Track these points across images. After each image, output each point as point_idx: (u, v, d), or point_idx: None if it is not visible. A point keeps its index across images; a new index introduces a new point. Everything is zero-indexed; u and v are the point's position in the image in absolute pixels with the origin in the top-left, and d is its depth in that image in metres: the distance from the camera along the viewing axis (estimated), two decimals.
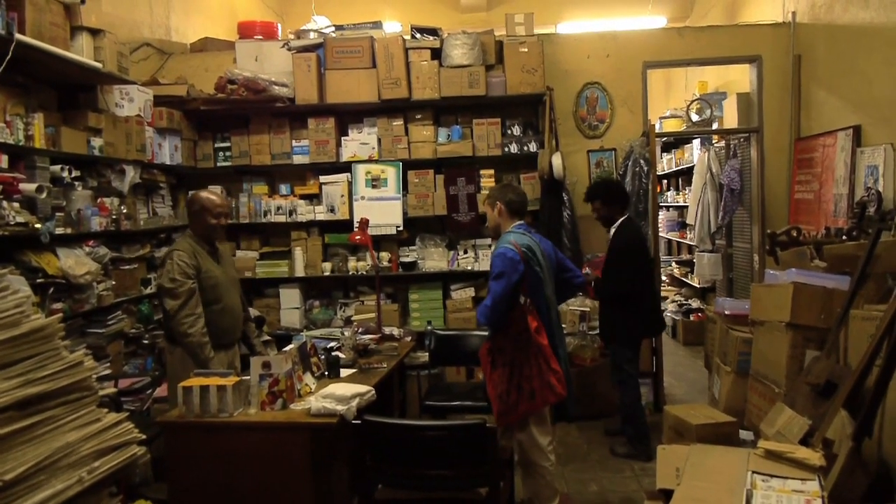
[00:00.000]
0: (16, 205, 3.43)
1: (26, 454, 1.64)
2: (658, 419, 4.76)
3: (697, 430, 3.45)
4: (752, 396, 3.75)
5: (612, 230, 4.62)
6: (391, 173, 5.53)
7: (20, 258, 3.54)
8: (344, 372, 3.62)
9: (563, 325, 5.26)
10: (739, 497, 2.05)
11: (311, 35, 5.70)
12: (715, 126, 6.88)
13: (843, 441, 2.42)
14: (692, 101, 7.11)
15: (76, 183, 4.07)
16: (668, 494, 2.26)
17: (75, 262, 3.82)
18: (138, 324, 4.60)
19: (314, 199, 5.69)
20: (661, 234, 8.15)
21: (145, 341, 4.66)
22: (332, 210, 5.59)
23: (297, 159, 5.62)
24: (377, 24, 5.69)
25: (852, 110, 4.95)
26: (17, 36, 3.29)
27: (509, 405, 3.27)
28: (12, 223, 3.36)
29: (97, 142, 4.21)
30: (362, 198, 5.53)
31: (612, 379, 4.71)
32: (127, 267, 4.54)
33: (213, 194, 3.72)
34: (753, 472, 2.22)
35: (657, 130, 6.65)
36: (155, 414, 3.77)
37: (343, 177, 5.58)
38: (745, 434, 3.60)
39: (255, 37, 5.90)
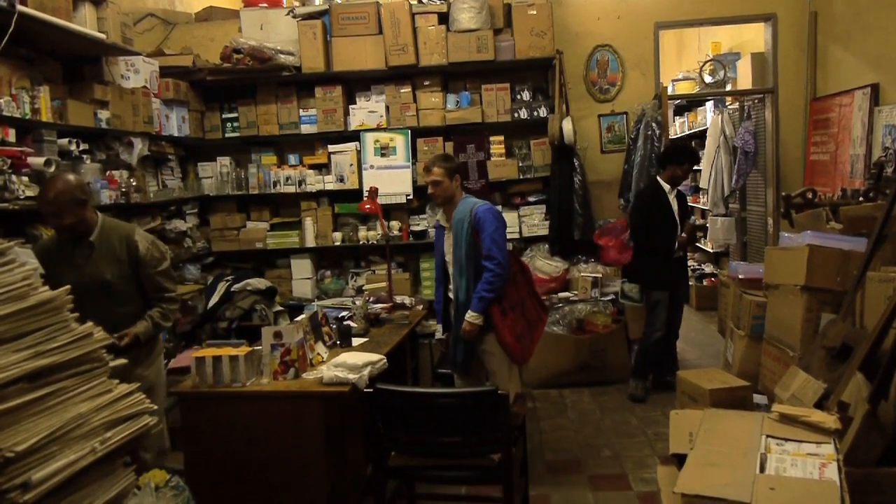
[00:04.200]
0: (25, 179, 3.42)
1: (38, 425, 1.64)
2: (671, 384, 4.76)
3: (711, 395, 3.44)
4: (766, 360, 3.72)
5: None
6: (400, 141, 5.49)
7: (31, 232, 3.54)
8: (356, 341, 3.62)
9: (576, 292, 5.32)
10: (754, 461, 2.04)
11: (316, 2, 5.63)
12: (728, 87, 6.76)
13: (859, 404, 2.40)
14: (705, 63, 6.98)
15: (84, 156, 4.06)
16: (681, 459, 2.25)
17: None
18: None
19: (323, 168, 5.67)
20: None
21: None
22: (341, 180, 5.57)
23: (305, 129, 5.58)
24: None
25: (870, 68, 4.84)
26: (19, 7, 3.25)
27: (528, 341, 3.58)
28: (22, 197, 3.35)
29: (104, 114, 4.19)
30: (371, 167, 5.50)
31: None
32: None
33: (47, 184, 3.00)
34: (768, 435, 2.21)
35: (669, 93, 6.55)
36: (170, 384, 3.80)
37: (352, 146, 5.55)
38: (759, 398, 3.58)
39: (260, 5, 5.81)
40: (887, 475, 2.25)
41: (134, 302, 3.15)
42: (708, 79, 6.86)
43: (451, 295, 3.64)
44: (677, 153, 4.92)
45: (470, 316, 3.45)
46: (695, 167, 5.15)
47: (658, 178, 4.92)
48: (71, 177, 3.03)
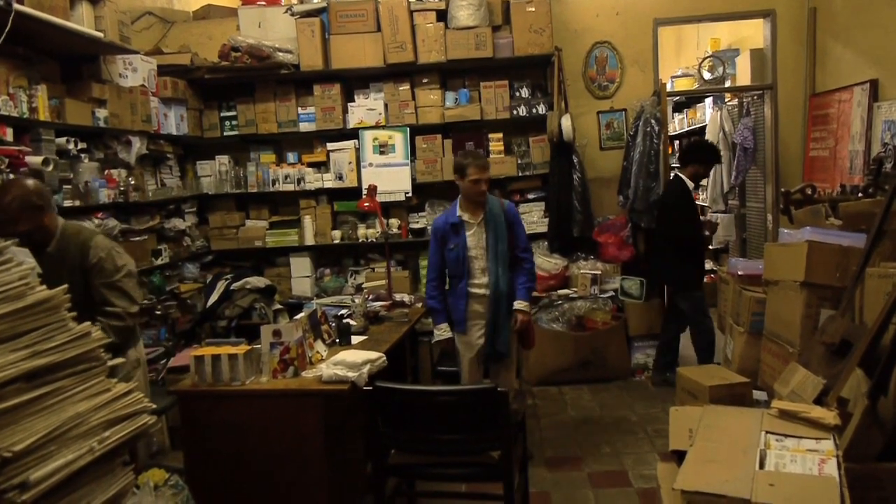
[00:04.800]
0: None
1: (36, 425, 1.64)
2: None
3: (710, 392, 3.44)
4: (765, 357, 3.72)
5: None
6: (399, 139, 5.48)
7: None
8: (355, 339, 3.62)
9: (575, 289, 5.32)
10: (753, 457, 2.04)
11: None
12: (727, 84, 6.75)
13: (859, 400, 2.40)
14: (704, 59, 6.97)
15: (82, 155, 4.05)
16: (681, 456, 2.25)
17: None
18: (150, 295, 4.62)
19: (322, 166, 5.66)
20: None
21: (158, 312, 4.69)
22: (340, 177, 5.57)
23: (304, 127, 5.57)
24: None
25: (869, 64, 4.83)
26: (16, 6, 3.25)
27: None
28: None
29: (102, 113, 4.18)
30: (370, 164, 5.49)
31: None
32: (137, 238, 4.54)
33: (1, 189, 2.84)
34: (767, 432, 2.21)
35: (668, 90, 6.53)
36: (169, 383, 3.80)
37: (350, 143, 5.54)
38: (758, 394, 3.59)
39: (258, 2, 5.81)
40: (887, 470, 2.25)
41: (83, 316, 2.94)
42: (707, 75, 6.84)
43: (474, 290, 3.74)
44: (703, 151, 4.94)
45: (524, 306, 3.75)
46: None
47: (679, 174, 4.90)
48: (28, 181, 2.90)
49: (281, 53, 5.30)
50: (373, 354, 3.09)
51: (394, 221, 5.55)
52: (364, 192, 5.02)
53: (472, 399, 2.71)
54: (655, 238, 5.15)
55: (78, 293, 2.76)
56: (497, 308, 3.70)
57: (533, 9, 5.24)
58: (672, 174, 5.16)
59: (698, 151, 4.93)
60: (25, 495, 1.54)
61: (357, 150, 5.52)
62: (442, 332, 3.81)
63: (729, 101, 7.14)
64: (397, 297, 4.47)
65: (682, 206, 4.82)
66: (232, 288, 5.01)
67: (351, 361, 2.95)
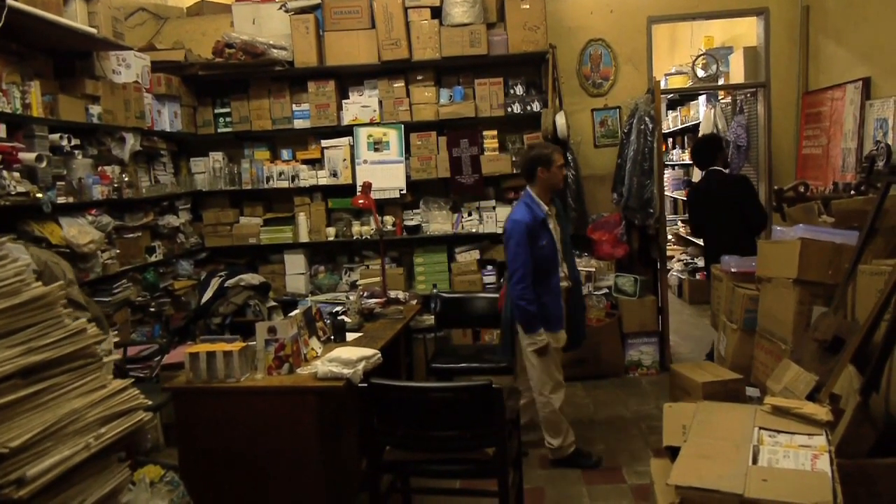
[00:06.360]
0: (16, 174, 3.40)
1: (32, 421, 1.64)
2: (664, 378, 4.79)
3: (704, 388, 3.46)
4: (758, 353, 3.74)
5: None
6: (393, 136, 5.48)
7: (23, 228, 3.53)
8: (350, 336, 3.62)
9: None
10: (746, 453, 2.05)
11: None
12: (721, 82, 6.77)
13: (851, 396, 2.41)
14: (698, 57, 6.99)
15: (76, 151, 4.04)
16: (674, 452, 2.26)
17: (78, 232, 3.81)
18: (144, 292, 4.61)
19: (316, 163, 5.65)
20: (666, 192, 8.09)
21: (152, 309, 4.68)
22: (334, 175, 5.56)
23: (298, 124, 5.56)
24: None
25: (862, 62, 4.85)
26: (9, 2, 3.23)
27: None
28: (13, 193, 3.33)
29: (95, 109, 4.17)
30: (365, 161, 5.49)
31: None
32: (131, 235, 4.53)
33: None
34: (760, 428, 2.22)
35: (662, 87, 6.53)
36: (164, 380, 3.79)
37: (345, 140, 5.53)
38: (751, 391, 3.60)
39: None
40: (878, 466, 2.27)
41: None
42: (700, 73, 6.86)
43: (564, 283, 3.75)
44: (712, 143, 5.09)
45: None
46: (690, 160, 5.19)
47: (717, 168, 4.95)
48: None
49: (275, 50, 5.29)
50: (368, 351, 3.09)
51: (388, 218, 5.54)
52: (358, 189, 5.02)
53: (467, 396, 2.72)
54: (712, 232, 5.02)
55: None
56: (576, 298, 3.81)
57: (527, 6, 5.24)
58: (704, 173, 5.08)
59: (710, 145, 5.04)
60: (22, 491, 1.54)
61: (351, 147, 5.52)
62: (544, 337, 3.61)
63: (722, 98, 7.17)
64: (392, 294, 4.47)
65: (752, 195, 4.86)
66: (226, 285, 5.00)
67: (346, 358, 2.95)
